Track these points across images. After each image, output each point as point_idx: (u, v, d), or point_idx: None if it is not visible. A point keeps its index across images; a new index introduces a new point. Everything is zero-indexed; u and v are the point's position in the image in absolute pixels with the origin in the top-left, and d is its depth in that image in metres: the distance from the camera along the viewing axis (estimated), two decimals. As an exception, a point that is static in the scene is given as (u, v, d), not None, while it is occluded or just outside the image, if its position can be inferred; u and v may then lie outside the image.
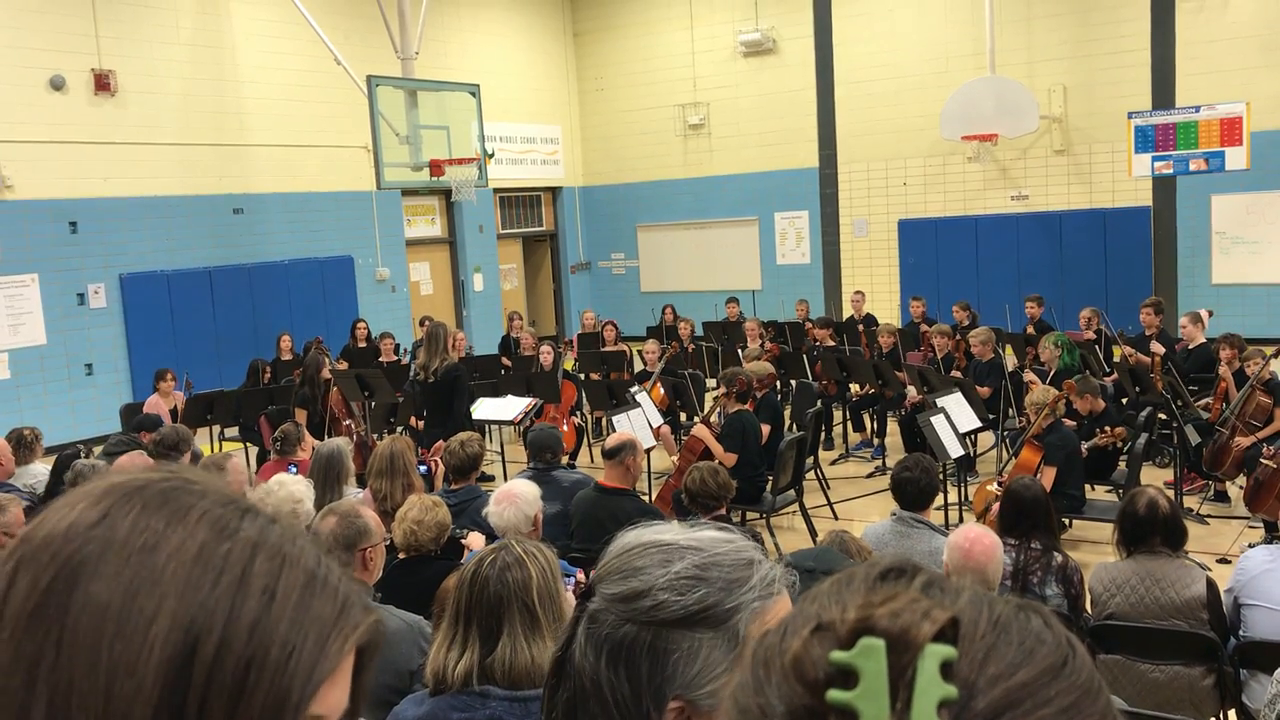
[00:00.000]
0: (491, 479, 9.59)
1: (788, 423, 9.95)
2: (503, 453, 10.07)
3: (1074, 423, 7.93)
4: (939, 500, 6.35)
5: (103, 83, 13.39)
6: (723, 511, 5.44)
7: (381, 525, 3.98)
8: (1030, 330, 11.69)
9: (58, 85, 13.00)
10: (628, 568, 1.17)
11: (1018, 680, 0.54)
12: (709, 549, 1.18)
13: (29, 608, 0.65)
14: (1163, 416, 8.80)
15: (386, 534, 4.19)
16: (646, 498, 7.28)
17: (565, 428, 10.24)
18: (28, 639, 0.64)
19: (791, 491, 8.16)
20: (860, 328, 13.05)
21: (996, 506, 5.27)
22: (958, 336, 11.01)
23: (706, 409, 9.03)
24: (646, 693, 1.11)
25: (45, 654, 0.64)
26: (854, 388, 11.22)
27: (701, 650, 1.11)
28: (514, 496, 4.52)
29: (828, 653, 0.55)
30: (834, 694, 0.53)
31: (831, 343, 12.11)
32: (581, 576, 3.49)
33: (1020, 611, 0.59)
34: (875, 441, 10.81)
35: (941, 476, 7.04)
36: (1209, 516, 8.15)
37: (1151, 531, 4.40)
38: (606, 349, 12.60)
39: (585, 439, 11.20)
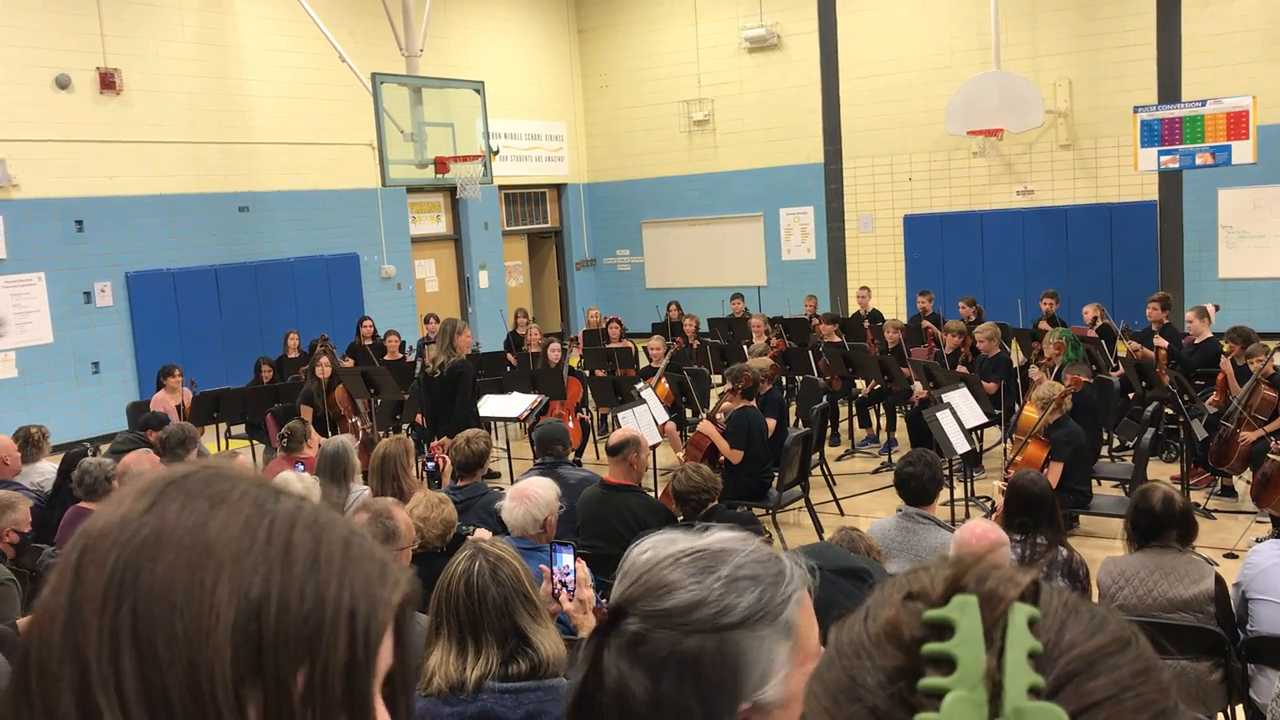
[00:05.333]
0: (498, 476, 9.61)
1: (793, 419, 9.95)
2: (508, 450, 10.08)
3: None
4: (944, 496, 6.35)
5: (108, 81, 13.41)
6: (715, 503, 5.44)
7: (412, 529, 3.94)
8: (1044, 325, 11.68)
9: (63, 84, 13.02)
10: (664, 583, 1.15)
11: (1092, 645, 0.58)
12: (740, 548, 1.19)
13: (100, 590, 0.69)
14: (1169, 411, 8.79)
15: (417, 538, 4.17)
16: (652, 494, 7.27)
17: (571, 424, 10.24)
18: (105, 615, 0.68)
19: (797, 488, 8.15)
20: (866, 323, 13.04)
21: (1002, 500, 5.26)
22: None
23: (712, 405, 9.03)
24: (720, 701, 1.10)
25: (123, 626, 0.68)
26: (860, 383, 11.20)
27: (765, 647, 1.12)
28: (527, 496, 4.49)
29: (920, 614, 0.59)
30: (930, 646, 0.56)
31: (836, 338, 12.11)
32: (579, 567, 3.45)
33: (1083, 599, 0.64)
34: (884, 437, 10.80)
35: (947, 472, 7.03)
36: (1216, 511, 8.13)
37: (1167, 527, 4.39)
38: (612, 345, 12.61)
39: (591, 435, 11.21)
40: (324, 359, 10.35)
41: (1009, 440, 9.31)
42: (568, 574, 3.28)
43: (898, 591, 0.63)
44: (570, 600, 3.25)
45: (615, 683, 1.12)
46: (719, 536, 1.21)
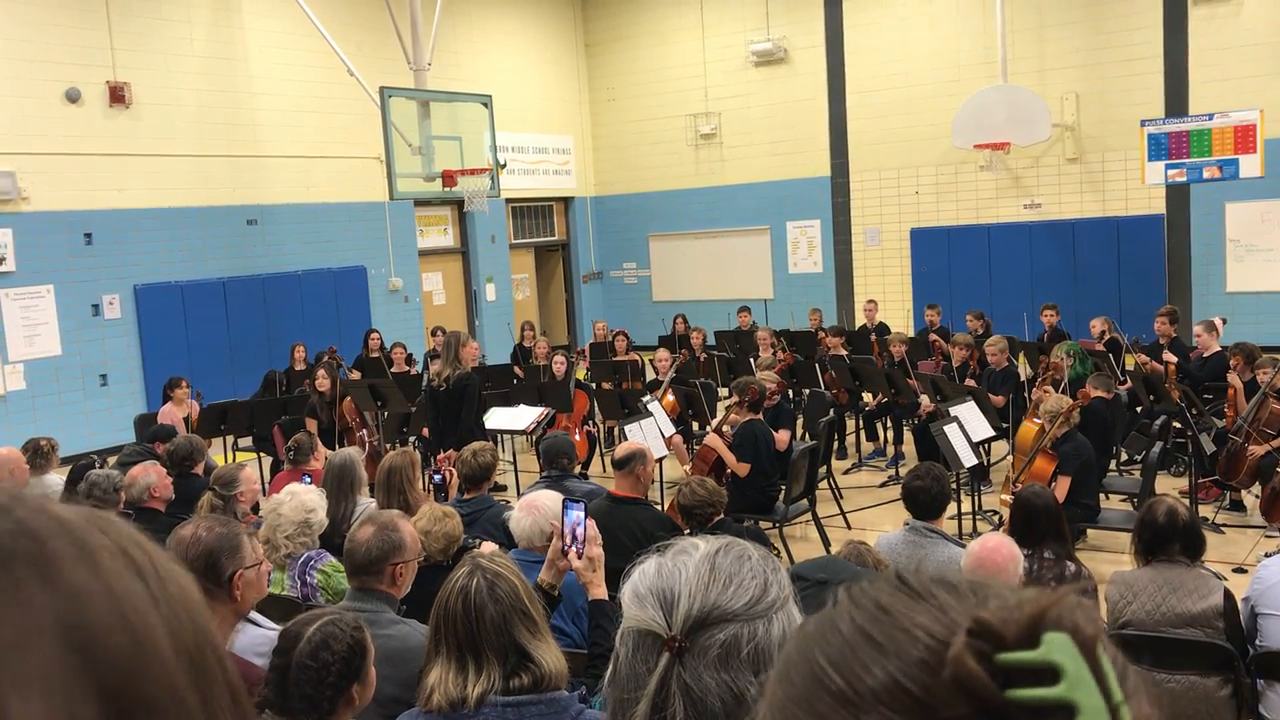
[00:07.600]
0: (504, 489, 9.60)
1: (800, 432, 9.94)
2: (515, 462, 10.06)
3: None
4: (951, 509, 6.33)
5: (118, 95, 13.47)
6: (721, 517, 5.42)
7: (418, 541, 3.95)
8: (1045, 339, 11.66)
9: (73, 97, 13.09)
10: (728, 580, 1.18)
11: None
12: (729, 538, 1.28)
13: None
14: (1177, 425, 8.76)
15: (423, 550, 4.17)
16: (659, 506, 7.26)
17: (577, 437, 10.24)
18: None
19: (804, 501, 8.13)
20: (872, 336, 13.02)
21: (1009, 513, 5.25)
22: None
23: (718, 418, 9.02)
24: None
25: None
26: (867, 397, 11.19)
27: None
28: (535, 508, 4.48)
29: (995, 657, 0.53)
30: (1039, 691, 0.52)
31: (842, 351, 12.09)
32: (590, 525, 3.35)
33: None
34: (891, 450, 10.78)
35: (954, 485, 7.01)
36: (1225, 525, 8.09)
37: (1170, 540, 4.37)
38: (618, 358, 12.61)
39: (597, 448, 11.20)
40: (321, 372, 10.36)
41: (1013, 454, 9.29)
42: (578, 526, 3.22)
43: (938, 630, 0.56)
44: (580, 559, 3.19)
45: (697, 699, 1.13)
46: (703, 538, 1.25)
